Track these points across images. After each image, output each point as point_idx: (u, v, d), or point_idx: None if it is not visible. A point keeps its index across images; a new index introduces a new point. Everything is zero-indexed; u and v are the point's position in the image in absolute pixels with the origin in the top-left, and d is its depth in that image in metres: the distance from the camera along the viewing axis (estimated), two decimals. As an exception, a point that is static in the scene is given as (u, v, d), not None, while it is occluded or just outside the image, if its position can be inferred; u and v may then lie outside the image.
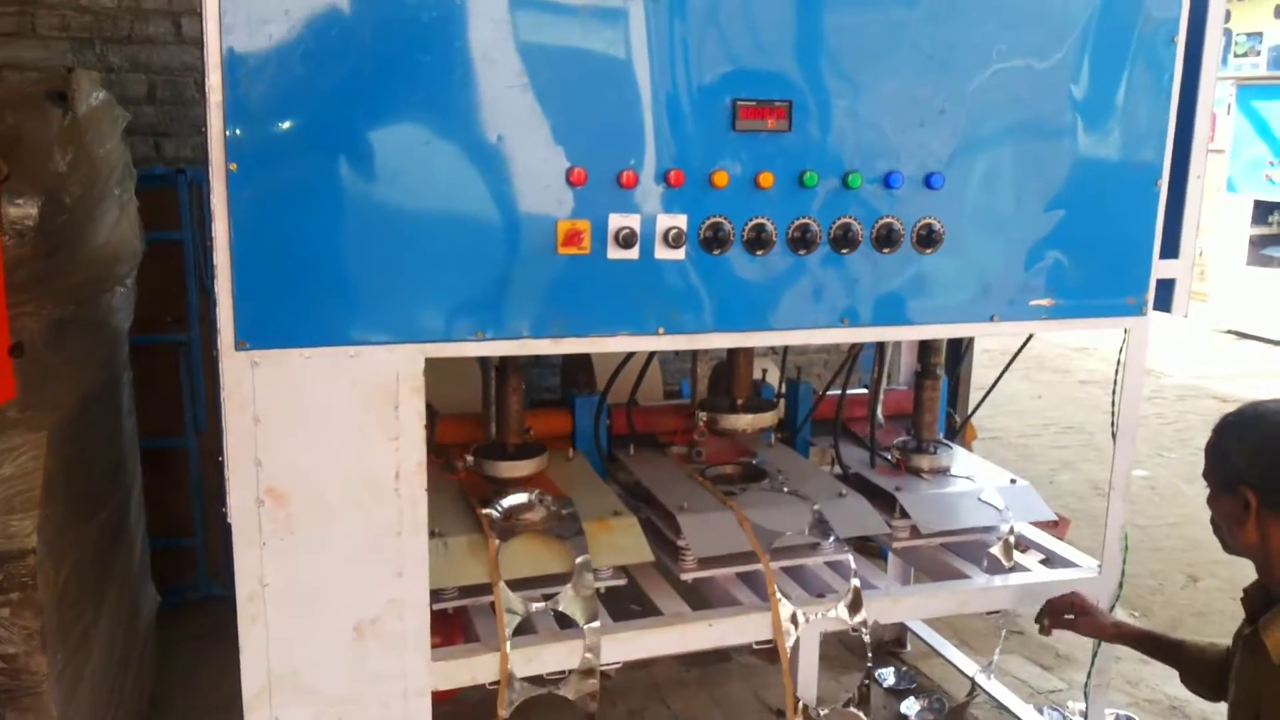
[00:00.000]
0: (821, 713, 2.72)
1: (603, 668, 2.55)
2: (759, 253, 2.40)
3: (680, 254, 2.34)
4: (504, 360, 2.80)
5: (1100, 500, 5.36)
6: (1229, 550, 2.29)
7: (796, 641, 2.67)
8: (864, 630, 2.72)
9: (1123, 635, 2.71)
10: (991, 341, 7.43)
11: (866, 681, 2.82)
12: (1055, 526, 5.35)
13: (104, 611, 2.76)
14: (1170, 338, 9.37)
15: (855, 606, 2.71)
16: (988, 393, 3.65)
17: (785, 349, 3.69)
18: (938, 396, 3.33)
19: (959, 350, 4.66)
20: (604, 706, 3.58)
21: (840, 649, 3.71)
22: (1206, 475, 2.25)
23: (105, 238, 2.88)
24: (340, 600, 2.28)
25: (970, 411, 4.16)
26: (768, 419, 3.03)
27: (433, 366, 2.28)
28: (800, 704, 2.70)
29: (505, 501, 2.68)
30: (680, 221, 2.33)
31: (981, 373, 5.66)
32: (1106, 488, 2.96)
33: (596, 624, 2.51)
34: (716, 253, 2.37)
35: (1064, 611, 2.75)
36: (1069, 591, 2.78)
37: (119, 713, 2.85)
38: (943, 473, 3.24)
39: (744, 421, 3.00)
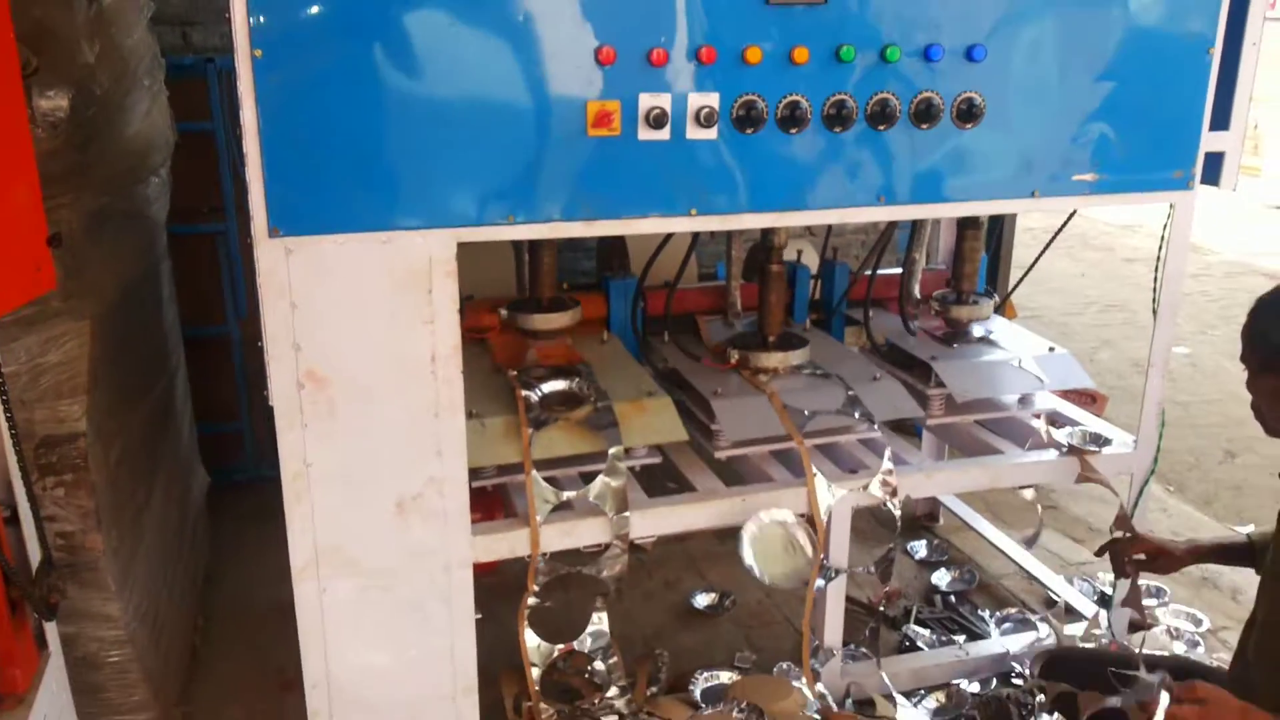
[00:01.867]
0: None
1: (636, 541, 2.62)
2: (793, 131, 2.36)
3: (712, 134, 2.30)
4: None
5: (1140, 378, 5.32)
6: (1272, 432, 2.26)
7: (829, 516, 2.72)
8: (894, 504, 2.76)
9: (1199, 554, 2.55)
10: (1034, 219, 7.31)
11: (892, 554, 2.87)
12: (1093, 403, 5.36)
13: (155, 491, 2.86)
14: (1220, 213, 9.15)
15: (887, 481, 2.74)
16: (1028, 270, 3.61)
17: (829, 229, 3.66)
18: (979, 247, 3.29)
19: (999, 228, 4.59)
20: (641, 576, 3.70)
21: (873, 523, 3.77)
22: (1245, 358, 2.22)
23: (137, 128, 2.87)
24: (382, 478, 2.34)
25: (1010, 289, 4.12)
26: (798, 357, 2.97)
27: (466, 251, 2.29)
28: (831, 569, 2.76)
29: (543, 386, 2.72)
30: (712, 100, 2.28)
31: (1023, 252, 5.58)
32: (1146, 365, 2.94)
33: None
34: (750, 132, 2.33)
35: (1131, 553, 2.60)
36: (1130, 539, 2.62)
37: (174, 586, 2.99)
38: (982, 324, 3.25)
39: (774, 360, 2.94)
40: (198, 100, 3.84)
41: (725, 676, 3.01)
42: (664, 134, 2.27)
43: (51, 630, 2.16)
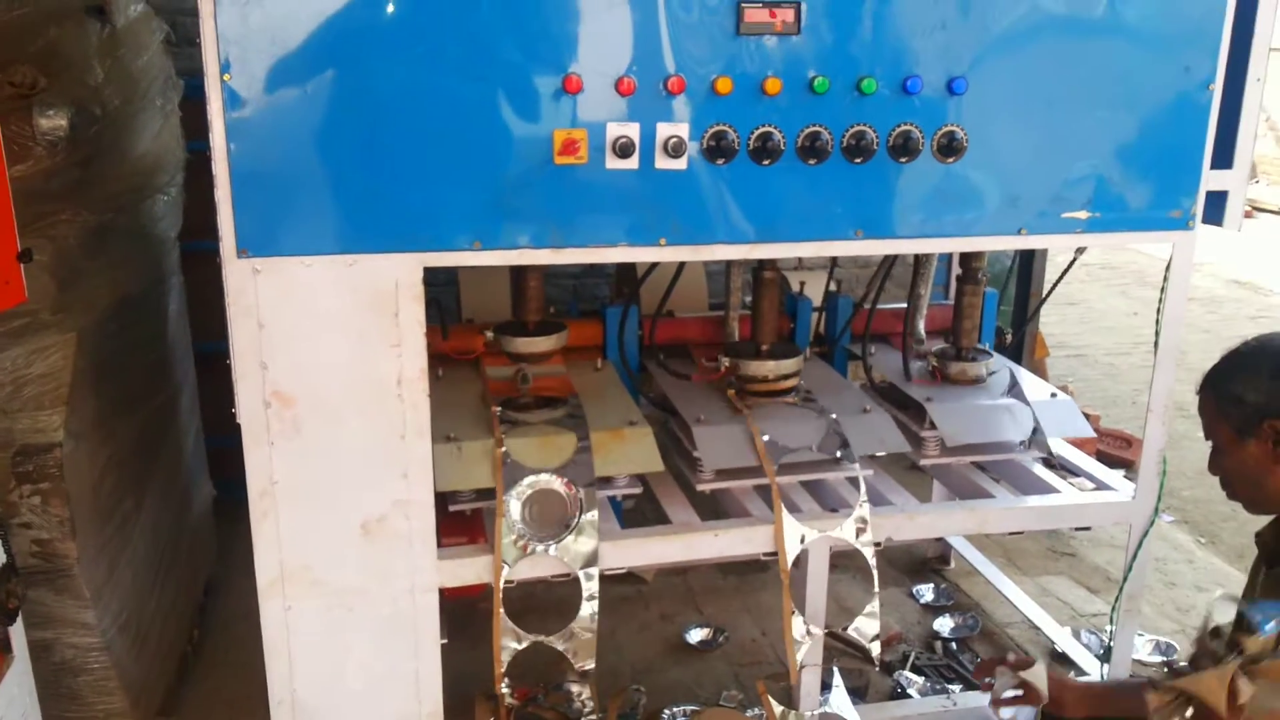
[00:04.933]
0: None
1: (610, 571, 2.59)
2: (765, 162, 2.33)
3: (681, 164, 2.29)
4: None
5: (1185, 422, 5.14)
6: (1256, 508, 2.17)
7: (805, 555, 2.67)
8: (869, 547, 2.70)
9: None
10: (1090, 254, 7.13)
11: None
12: (1129, 447, 5.21)
13: (146, 502, 2.92)
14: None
15: (863, 523, 2.69)
16: (1039, 306, 3.55)
17: (834, 260, 3.60)
18: (978, 303, 3.18)
19: (1029, 262, 4.49)
20: (637, 609, 3.68)
21: (881, 562, 3.67)
22: (1215, 430, 2.13)
23: (145, 147, 2.96)
24: (348, 499, 2.36)
25: (1022, 325, 4.05)
26: (790, 366, 2.93)
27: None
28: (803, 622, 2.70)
29: (523, 414, 2.72)
30: (681, 130, 2.27)
31: (1074, 288, 5.37)
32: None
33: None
34: (720, 163, 2.31)
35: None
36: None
37: (164, 596, 3.03)
38: (979, 382, 3.15)
39: (767, 369, 2.93)
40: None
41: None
42: (631, 163, 2.27)
43: (17, 634, 2.21)
